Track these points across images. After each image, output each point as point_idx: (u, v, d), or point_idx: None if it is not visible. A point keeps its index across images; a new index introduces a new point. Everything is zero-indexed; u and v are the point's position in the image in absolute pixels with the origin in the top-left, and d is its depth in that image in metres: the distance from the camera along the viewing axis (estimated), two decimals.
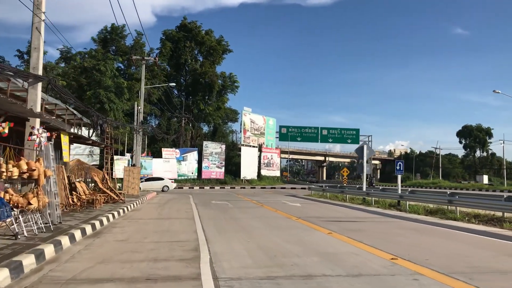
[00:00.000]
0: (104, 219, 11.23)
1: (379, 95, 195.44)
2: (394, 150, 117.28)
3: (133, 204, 17.15)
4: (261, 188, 45.99)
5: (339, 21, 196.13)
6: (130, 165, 26.59)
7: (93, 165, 38.19)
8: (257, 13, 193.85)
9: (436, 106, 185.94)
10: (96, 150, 31.82)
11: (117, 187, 25.47)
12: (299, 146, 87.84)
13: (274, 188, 46.08)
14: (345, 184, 42.43)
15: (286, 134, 71.37)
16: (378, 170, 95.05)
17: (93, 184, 19.67)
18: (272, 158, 61.72)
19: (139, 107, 26.00)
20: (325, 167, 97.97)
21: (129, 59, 41.93)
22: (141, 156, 47.72)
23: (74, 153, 38.76)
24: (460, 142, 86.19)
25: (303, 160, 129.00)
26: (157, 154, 48.22)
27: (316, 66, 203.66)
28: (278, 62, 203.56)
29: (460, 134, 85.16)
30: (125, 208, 14.91)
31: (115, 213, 13.00)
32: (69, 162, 17.73)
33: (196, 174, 51.01)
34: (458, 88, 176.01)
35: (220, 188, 45.09)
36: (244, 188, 45.48)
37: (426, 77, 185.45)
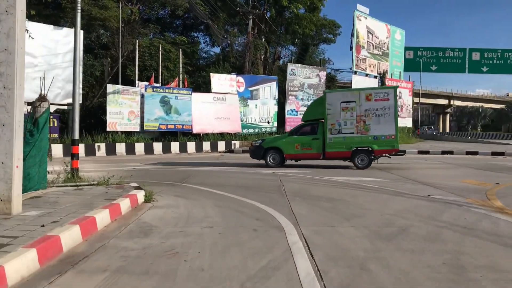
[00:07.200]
0: None
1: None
2: None
3: None
4: (421, 153, 21.75)
5: None
6: None
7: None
8: None
9: None
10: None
11: None
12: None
13: (447, 154, 21.41)
14: None
15: (413, 60, 45.05)
16: None
17: None
18: (401, 97, 36.52)
19: None
20: (448, 114, 69.69)
21: None
22: (168, 88, 25.15)
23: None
24: None
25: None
26: (205, 88, 25.90)
27: None
28: None
29: None
30: None
31: None
32: None
33: (276, 124, 28.17)
34: None
35: None
36: None
37: None
